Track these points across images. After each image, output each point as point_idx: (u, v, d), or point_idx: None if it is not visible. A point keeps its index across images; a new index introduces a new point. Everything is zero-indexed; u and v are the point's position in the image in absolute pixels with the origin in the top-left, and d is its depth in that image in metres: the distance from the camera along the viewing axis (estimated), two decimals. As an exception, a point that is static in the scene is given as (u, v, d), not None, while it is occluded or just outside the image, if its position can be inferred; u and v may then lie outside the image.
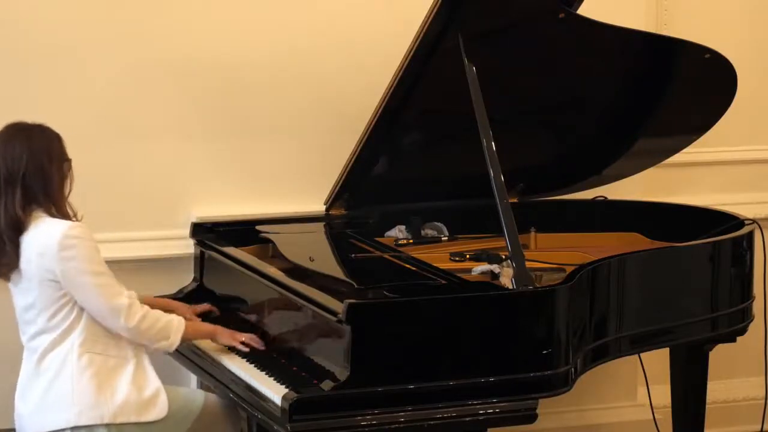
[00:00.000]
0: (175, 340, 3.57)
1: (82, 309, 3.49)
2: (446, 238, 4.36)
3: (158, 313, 3.56)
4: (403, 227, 4.38)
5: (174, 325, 3.57)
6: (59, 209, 3.50)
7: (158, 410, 3.51)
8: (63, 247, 3.42)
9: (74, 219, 3.53)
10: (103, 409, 3.44)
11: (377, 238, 4.22)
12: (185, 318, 3.70)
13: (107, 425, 3.44)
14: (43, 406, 3.48)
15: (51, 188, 3.49)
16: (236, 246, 4.13)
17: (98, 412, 3.44)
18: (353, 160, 4.21)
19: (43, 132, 3.53)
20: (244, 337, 3.69)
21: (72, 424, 3.44)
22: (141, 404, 3.48)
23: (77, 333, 3.48)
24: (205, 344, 3.79)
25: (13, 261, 3.48)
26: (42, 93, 4.25)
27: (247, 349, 3.66)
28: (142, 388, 3.51)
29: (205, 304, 4.03)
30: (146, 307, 3.53)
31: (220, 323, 3.87)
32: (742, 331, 4.27)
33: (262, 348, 3.68)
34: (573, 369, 3.58)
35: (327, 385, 3.33)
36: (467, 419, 3.43)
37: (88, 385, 3.45)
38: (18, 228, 3.46)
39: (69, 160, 3.56)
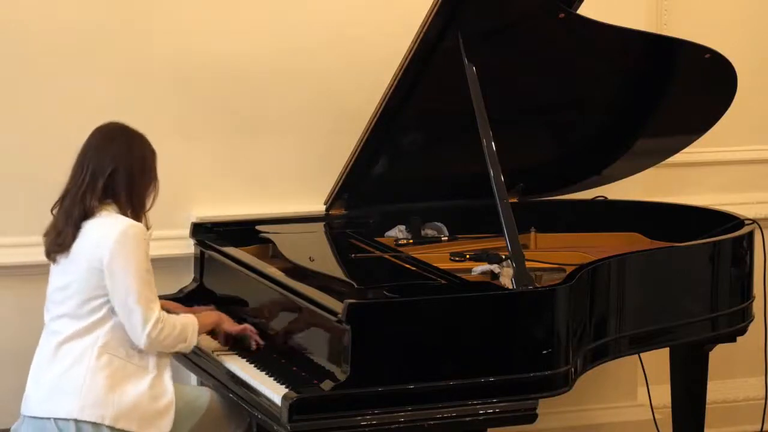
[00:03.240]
0: (192, 341, 3.58)
1: (111, 311, 3.48)
2: (446, 238, 4.36)
3: (173, 318, 3.56)
4: (403, 227, 4.37)
5: (189, 328, 3.57)
6: (135, 217, 3.52)
7: (161, 427, 3.49)
8: (120, 238, 3.44)
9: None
10: (107, 410, 3.43)
11: (377, 238, 4.22)
12: None
13: (109, 427, 3.43)
14: (51, 393, 3.47)
15: (132, 195, 3.52)
16: (236, 246, 4.13)
17: (101, 411, 3.43)
18: (353, 160, 4.21)
19: (144, 142, 3.58)
20: (246, 325, 3.73)
21: (74, 417, 3.43)
22: (147, 415, 3.47)
23: (102, 333, 3.47)
24: (205, 344, 3.79)
25: (67, 241, 3.50)
26: (42, 93, 4.25)
27: (246, 344, 3.69)
28: (156, 398, 3.49)
29: (209, 306, 4.03)
30: (164, 315, 3.52)
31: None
32: (742, 331, 4.27)
33: (255, 346, 3.70)
34: (573, 369, 3.58)
35: (327, 385, 3.33)
36: (467, 419, 3.43)
37: (99, 384, 3.44)
38: (86, 215, 3.49)
39: (157, 179, 3.59)
